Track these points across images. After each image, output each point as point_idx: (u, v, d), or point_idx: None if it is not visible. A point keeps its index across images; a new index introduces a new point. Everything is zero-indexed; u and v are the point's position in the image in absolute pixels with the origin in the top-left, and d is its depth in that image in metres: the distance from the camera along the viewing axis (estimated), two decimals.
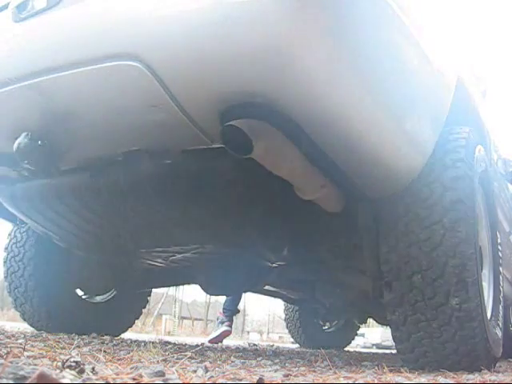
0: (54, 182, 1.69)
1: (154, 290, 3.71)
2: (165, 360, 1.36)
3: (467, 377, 1.36)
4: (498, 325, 1.85)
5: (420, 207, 1.61)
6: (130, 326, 3.13)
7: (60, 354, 1.26)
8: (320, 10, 1.11)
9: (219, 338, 4.15)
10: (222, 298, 4.58)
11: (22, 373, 0.65)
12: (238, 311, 4.57)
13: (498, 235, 2.12)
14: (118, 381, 0.84)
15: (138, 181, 1.58)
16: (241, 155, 1.25)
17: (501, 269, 2.08)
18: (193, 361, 1.46)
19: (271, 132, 1.25)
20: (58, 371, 0.85)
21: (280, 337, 22.42)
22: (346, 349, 5.07)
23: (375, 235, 1.71)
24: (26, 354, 1.14)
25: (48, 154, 1.51)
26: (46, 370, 0.70)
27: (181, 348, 2.22)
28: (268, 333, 29.55)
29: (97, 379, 0.82)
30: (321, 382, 1.19)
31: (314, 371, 1.47)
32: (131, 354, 1.51)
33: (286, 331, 5.41)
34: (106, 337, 2.31)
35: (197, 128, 1.31)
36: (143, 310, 3.21)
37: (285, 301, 4.34)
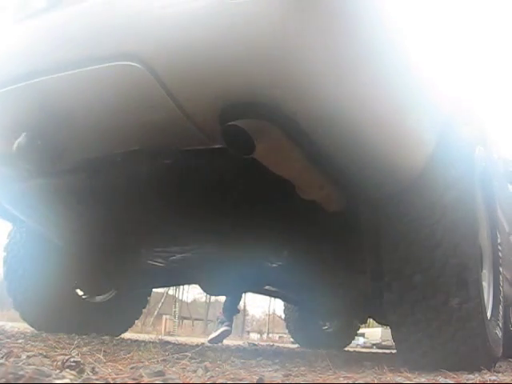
0: (53, 181, 1.69)
1: (154, 290, 3.71)
2: (165, 360, 1.36)
3: (467, 377, 1.36)
4: (498, 325, 1.85)
5: (420, 207, 1.61)
6: (130, 326, 3.13)
7: (60, 354, 1.26)
8: (320, 8, 1.11)
9: (219, 338, 4.15)
10: (222, 298, 4.58)
11: (21, 373, 0.65)
12: (238, 311, 4.57)
13: (498, 235, 2.12)
14: (118, 381, 0.84)
15: (137, 181, 1.58)
16: (242, 155, 1.24)
17: (501, 269, 2.08)
18: (193, 361, 1.46)
19: (272, 131, 1.25)
20: (57, 371, 0.85)
21: (280, 337, 22.40)
22: (346, 349, 5.08)
23: (376, 235, 1.71)
24: (25, 354, 1.14)
25: (48, 154, 1.51)
26: (40, 369, 0.70)
27: (181, 348, 2.22)
28: (268, 333, 29.55)
29: (97, 379, 0.82)
30: (321, 381, 1.19)
31: (314, 371, 1.47)
32: (131, 353, 1.51)
33: (286, 331, 5.41)
34: (105, 337, 2.31)
35: (197, 128, 1.31)
36: (143, 310, 3.21)
37: (285, 301, 4.35)
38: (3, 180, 1.81)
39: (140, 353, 1.55)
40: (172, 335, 11.80)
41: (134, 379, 0.86)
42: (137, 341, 2.55)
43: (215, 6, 1.10)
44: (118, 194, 1.64)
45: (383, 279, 1.65)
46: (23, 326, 2.99)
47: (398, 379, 1.28)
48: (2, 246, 2.68)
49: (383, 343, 15.11)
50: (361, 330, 10.51)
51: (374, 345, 15.81)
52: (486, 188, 2.00)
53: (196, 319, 30.18)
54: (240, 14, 1.08)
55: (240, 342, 5.33)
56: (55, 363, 0.99)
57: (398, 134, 1.48)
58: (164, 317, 20.43)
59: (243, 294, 5.82)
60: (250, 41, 1.09)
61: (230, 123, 1.19)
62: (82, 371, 0.90)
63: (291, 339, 5.95)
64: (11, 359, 1.01)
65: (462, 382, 1.28)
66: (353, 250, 2.00)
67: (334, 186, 1.59)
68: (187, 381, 0.97)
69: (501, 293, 2.02)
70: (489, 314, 1.79)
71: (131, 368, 1.04)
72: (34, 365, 0.88)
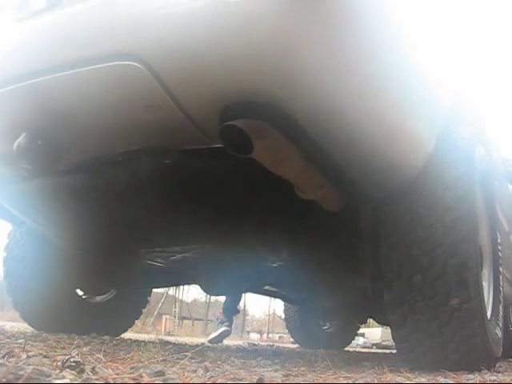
0: (53, 181, 1.69)
1: (154, 290, 3.71)
2: (165, 360, 1.36)
3: (467, 377, 1.36)
4: (498, 325, 1.85)
5: (420, 206, 1.61)
6: (130, 326, 3.12)
7: (60, 354, 1.26)
8: (319, 7, 1.11)
9: (219, 338, 4.15)
10: (222, 298, 4.58)
11: (21, 373, 0.65)
12: (238, 311, 4.57)
13: (498, 235, 2.12)
14: (118, 381, 0.84)
15: (137, 180, 1.58)
16: (240, 155, 1.24)
17: (501, 269, 2.08)
18: (193, 361, 1.46)
19: (271, 131, 1.25)
20: (57, 371, 0.85)
21: (280, 337, 22.42)
22: (346, 349, 5.08)
23: (375, 235, 1.71)
24: (25, 354, 1.14)
25: (47, 154, 1.51)
26: (39, 369, 0.70)
27: (181, 348, 2.22)
28: (268, 333, 29.55)
29: (97, 379, 0.82)
30: (321, 381, 1.19)
31: (314, 371, 1.47)
32: (131, 353, 1.51)
33: (286, 331, 5.41)
34: (105, 337, 2.31)
35: (196, 127, 1.31)
36: (143, 310, 3.21)
37: (285, 301, 4.35)
38: (3, 180, 1.81)
39: (140, 353, 1.54)
40: (172, 335, 11.80)
41: (134, 379, 0.86)
42: (137, 341, 2.54)
43: (214, 6, 1.10)
44: (118, 194, 1.64)
45: (383, 279, 1.65)
46: (23, 326, 2.99)
47: (398, 379, 1.28)
48: (2, 247, 2.68)
49: (383, 343, 15.10)
50: (361, 330, 10.50)
51: (373, 345, 15.80)
52: (485, 188, 2.00)
53: (196, 319, 30.19)
54: (239, 14, 1.08)
55: (240, 342, 5.33)
56: (55, 363, 0.99)
57: (398, 134, 1.48)
58: (164, 317, 20.44)
59: (243, 294, 5.82)
60: (249, 41, 1.09)
61: (227, 123, 1.18)
62: (82, 371, 0.90)
63: (291, 339, 5.94)
64: (11, 359, 1.01)
65: (462, 382, 1.28)
66: (353, 249, 2.00)
67: (333, 185, 1.59)
68: (187, 381, 0.97)
69: (501, 293, 2.02)
70: (489, 314, 1.79)
71: (131, 368, 1.04)
72: (33, 365, 0.88)
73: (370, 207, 1.74)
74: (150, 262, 2.32)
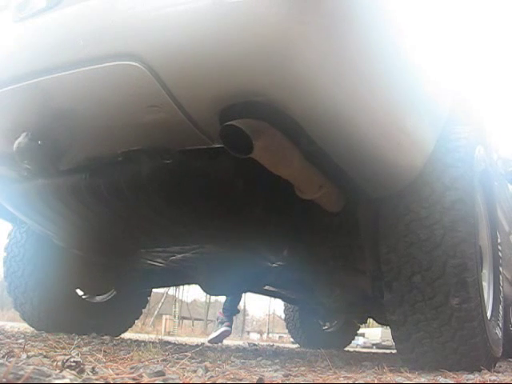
0: (53, 181, 1.69)
1: (154, 290, 3.71)
2: (165, 360, 1.36)
3: (467, 377, 1.36)
4: (498, 325, 1.85)
5: (420, 207, 1.61)
6: (130, 326, 3.13)
7: (60, 354, 1.26)
8: (320, 8, 1.11)
9: (219, 338, 4.15)
10: (222, 298, 4.59)
11: (21, 373, 0.65)
12: (238, 311, 4.57)
13: (498, 235, 2.12)
14: (118, 381, 0.84)
15: (137, 181, 1.58)
16: (241, 155, 1.25)
17: (501, 269, 2.08)
18: (193, 361, 1.46)
19: (271, 131, 1.25)
20: (57, 371, 0.85)
21: (280, 337, 22.44)
22: (346, 349, 5.08)
23: (375, 235, 1.71)
24: (25, 354, 1.14)
25: (48, 154, 1.51)
26: (39, 369, 0.70)
27: (181, 348, 2.22)
28: (268, 333, 29.56)
29: (97, 379, 0.82)
30: (321, 381, 1.19)
31: (314, 371, 1.47)
32: (131, 353, 1.51)
33: (286, 331, 5.41)
34: (105, 337, 2.31)
35: (197, 128, 1.31)
36: (143, 310, 3.21)
37: (285, 301, 4.35)
38: (3, 180, 1.81)
39: (140, 353, 1.54)
40: (172, 335, 11.80)
41: (134, 379, 0.86)
42: (137, 341, 2.55)
43: (214, 7, 1.10)
44: (119, 194, 1.64)
45: (383, 279, 1.65)
46: (23, 326, 2.99)
47: (398, 379, 1.28)
48: (2, 247, 2.69)
49: (383, 343, 15.13)
50: (361, 330, 10.52)
51: (374, 345, 15.82)
52: (485, 188, 2.00)
53: (196, 319, 30.20)
54: (239, 15, 1.08)
55: (240, 342, 5.33)
56: (55, 363, 0.99)
57: (398, 135, 1.48)
58: (164, 317, 20.43)
59: (243, 294, 5.82)
60: (249, 41, 1.09)
61: (227, 123, 1.19)
62: (82, 371, 0.90)
63: (291, 339, 5.95)
64: (11, 359, 1.01)
65: (462, 382, 1.28)
66: (353, 250, 2.00)
67: (332, 186, 1.59)
68: (187, 381, 0.97)
69: (501, 293, 2.02)
70: (489, 314, 1.79)
71: (131, 368, 1.04)
72: (33, 365, 0.88)
73: (370, 207, 1.74)
74: (150, 261, 2.32)
